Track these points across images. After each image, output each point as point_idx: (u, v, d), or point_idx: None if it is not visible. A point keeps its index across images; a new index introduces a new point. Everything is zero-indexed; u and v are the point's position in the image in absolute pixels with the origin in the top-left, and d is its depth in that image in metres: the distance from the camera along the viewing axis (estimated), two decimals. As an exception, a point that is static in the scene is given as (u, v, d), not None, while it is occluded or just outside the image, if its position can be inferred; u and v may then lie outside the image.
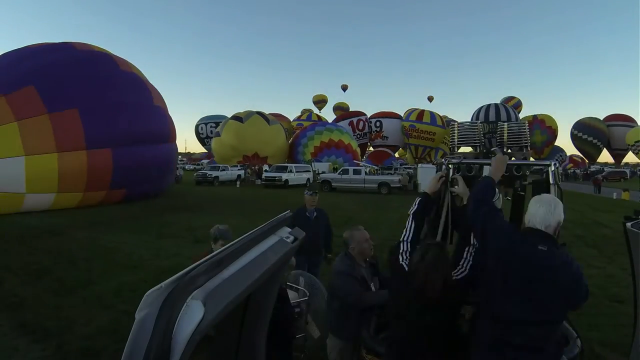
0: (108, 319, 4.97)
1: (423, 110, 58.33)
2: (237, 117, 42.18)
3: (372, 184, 25.17)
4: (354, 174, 25.84)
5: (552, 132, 59.93)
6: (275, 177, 27.83)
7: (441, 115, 59.09)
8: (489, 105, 57.89)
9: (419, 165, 27.79)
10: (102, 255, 8.11)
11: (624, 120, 62.34)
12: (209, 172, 30.49)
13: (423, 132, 56.35)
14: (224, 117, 50.49)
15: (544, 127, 59.12)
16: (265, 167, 31.68)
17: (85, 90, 14.41)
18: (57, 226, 11.02)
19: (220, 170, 31.24)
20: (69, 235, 9.88)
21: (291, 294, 3.74)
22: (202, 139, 55.97)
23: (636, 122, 61.76)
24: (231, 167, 33.70)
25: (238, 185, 29.63)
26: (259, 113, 43.51)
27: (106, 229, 10.83)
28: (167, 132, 17.75)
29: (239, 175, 32.14)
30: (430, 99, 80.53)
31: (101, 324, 4.81)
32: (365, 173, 26.64)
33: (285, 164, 29.60)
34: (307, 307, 3.88)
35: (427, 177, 24.89)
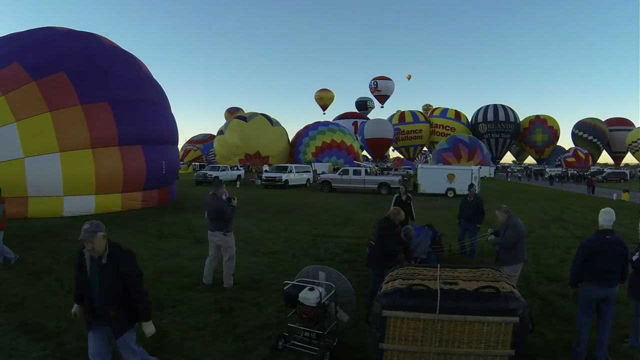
0: (108, 319, 4.97)
1: (403, 112, 59.66)
2: (241, 117, 42.55)
3: (372, 185, 25.16)
4: (354, 175, 25.81)
5: (554, 133, 60.24)
6: (275, 177, 27.79)
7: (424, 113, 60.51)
8: (487, 106, 58.36)
9: (419, 165, 27.77)
10: (102, 255, 8.11)
11: (623, 124, 62.83)
12: (209, 173, 30.48)
13: (409, 132, 57.03)
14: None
15: (546, 126, 59.39)
16: (265, 167, 31.66)
17: (116, 84, 14.18)
18: (57, 226, 11.03)
19: (220, 171, 31.24)
20: (69, 235, 9.88)
21: (315, 293, 4.12)
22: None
23: (634, 125, 62.26)
24: (231, 167, 33.76)
25: (238, 186, 29.63)
26: (263, 114, 43.80)
27: (106, 229, 10.82)
28: (161, 95, 17.34)
29: (238, 176, 32.16)
30: (408, 77, 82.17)
31: (101, 324, 4.81)
32: (366, 173, 26.60)
33: (286, 164, 29.58)
34: (335, 298, 4.32)
35: (427, 177, 24.94)
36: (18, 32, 15.15)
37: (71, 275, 6.63)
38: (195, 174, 32.18)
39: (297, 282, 4.45)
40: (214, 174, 30.20)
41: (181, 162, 40.29)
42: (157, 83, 17.10)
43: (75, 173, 12.74)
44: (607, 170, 48.39)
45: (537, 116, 60.09)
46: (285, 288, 4.39)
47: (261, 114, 43.33)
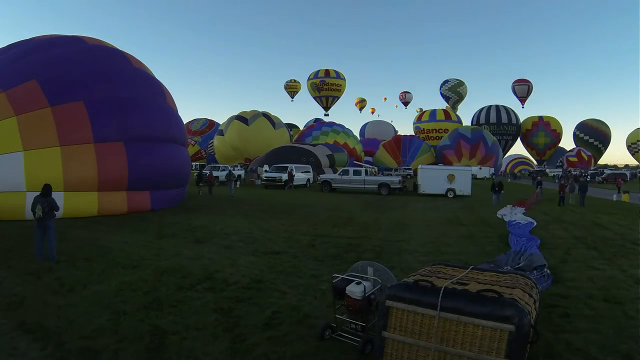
0: (108, 319, 4.98)
1: (328, 69, 62.56)
2: (242, 118, 41.92)
3: (372, 185, 25.18)
4: (354, 175, 25.83)
5: (557, 136, 60.36)
6: (275, 177, 27.81)
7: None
8: (489, 107, 58.36)
9: (420, 166, 27.81)
10: (102, 255, 8.11)
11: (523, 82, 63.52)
12: (209, 172, 30.47)
13: (331, 84, 59.30)
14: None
15: (549, 129, 59.45)
16: (265, 167, 31.66)
17: (135, 121, 13.41)
18: (57, 226, 10.99)
19: (220, 171, 31.24)
20: (69, 235, 9.87)
21: (361, 287, 4.30)
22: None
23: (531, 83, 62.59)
24: (231, 167, 33.76)
25: (238, 186, 29.63)
26: (265, 115, 43.06)
27: (106, 229, 10.83)
28: (182, 133, 16.63)
29: (239, 176, 32.14)
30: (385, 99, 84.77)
31: (101, 324, 4.82)
32: (366, 173, 26.63)
33: (286, 164, 29.57)
34: (381, 293, 4.38)
35: (427, 177, 24.94)
36: (44, 38, 14.50)
37: (71, 274, 6.67)
38: (195, 174, 32.16)
39: (346, 275, 4.72)
40: (214, 173, 30.22)
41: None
42: (179, 117, 16.38)
43: (77, 212, 12.25)
44: (606, 171, 48.35)
45: (541, 118, 60.01)
46: (334, 281, 4.65)
47: (263, 115, 42.80)
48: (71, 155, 12.07)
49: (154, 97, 15.05)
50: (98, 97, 12.90)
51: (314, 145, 37.23)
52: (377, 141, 54.87)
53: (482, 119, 57.12)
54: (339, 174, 26.78)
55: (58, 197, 11.55)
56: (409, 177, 36.28)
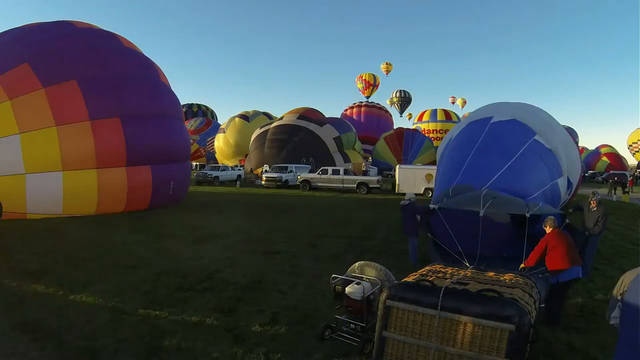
0: (108, 319, 4.98)
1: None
2: (243, 116, 42.79)
3: (351, 184, 25.47)
4: (332, 174, 26.11)
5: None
6: (275, 177, 27.87)
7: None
8: (399, 89, 69.07)
9: (398, 165, 27.80)
10: (102, 255, 8.11)
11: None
12: (209, 172, 30.50)
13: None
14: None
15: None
16: (265, 167, 31.65)
17: (130, 97, 13.40)
18: (57, 225, 11.01)
19: (221, 170, 31.26)
20: (69, 234, 9.88)
21: (360, 287, 4.30)
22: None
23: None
24: (232, 167, 33.77)
25: (238, 186, 29.63)
26: (266, 113, 44.04)
27: (106, 229, 10.83)
28: (178, 109, 16.45)
29: (239, 176, 32.15)
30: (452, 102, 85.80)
31: (101, 324, 4.82)
32: (345, 172, 26.73)
33: (286, 164, 29.57)
34: (380, 293, 4.37)
35: (405, 177, 24.96)
36: (34, 25, 14.44)
37: (71, 274, 6.66)
38: (195, 174, 32.15)
39: (345, 276, 4.74)
40: (214, 173, 30.25)
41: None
42: (173, 94, 16.31)
43: (78, 193, 12.16)
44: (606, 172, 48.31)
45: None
46: (333, 282, 4.65)
47: (263, 113, 43.73)
48: (68, 134, 12.09)
49: (147, 73, 15.05)
50: (91, 75, 12.88)
51: (321, 125, 35.68)
52: (376, 123, 52.82)
53: (394, 95, 70.03)
54: (317, 173, 26.93)
55: (57, 177, 11.77)
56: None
